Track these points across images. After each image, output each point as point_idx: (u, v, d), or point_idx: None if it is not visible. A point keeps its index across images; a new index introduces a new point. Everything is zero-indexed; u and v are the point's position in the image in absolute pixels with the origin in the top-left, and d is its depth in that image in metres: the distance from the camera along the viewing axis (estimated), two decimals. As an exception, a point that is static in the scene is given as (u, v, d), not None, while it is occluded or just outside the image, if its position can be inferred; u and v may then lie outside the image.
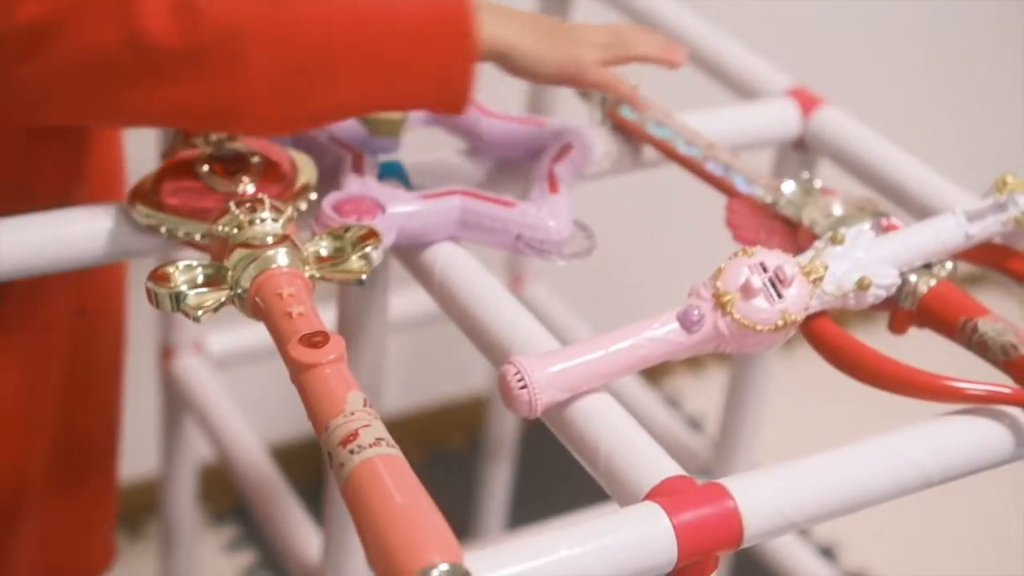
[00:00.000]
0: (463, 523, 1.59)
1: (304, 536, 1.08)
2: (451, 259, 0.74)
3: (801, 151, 0.94)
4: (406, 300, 1.23)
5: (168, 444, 1.28)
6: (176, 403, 1.25)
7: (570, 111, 1.06)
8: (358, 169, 0.78)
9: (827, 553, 1.61)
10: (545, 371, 0.63)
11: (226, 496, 1.60)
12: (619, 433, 0.62)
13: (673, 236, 1.85)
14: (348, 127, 0.81)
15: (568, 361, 0.63)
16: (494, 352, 0.68)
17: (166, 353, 1.24)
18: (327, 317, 0.66)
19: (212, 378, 1.23)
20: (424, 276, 0.75)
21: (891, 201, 0.87)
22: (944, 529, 1.63)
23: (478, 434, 1.69)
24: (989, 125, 1.98)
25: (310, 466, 1.61)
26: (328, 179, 0.78)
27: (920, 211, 0.85)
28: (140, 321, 1.38)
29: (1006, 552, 1.55)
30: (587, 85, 0.79)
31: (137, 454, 1.59)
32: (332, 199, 0.74)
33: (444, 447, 1.75)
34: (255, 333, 1.27)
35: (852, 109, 0.93)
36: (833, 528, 1.60)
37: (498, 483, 1.54)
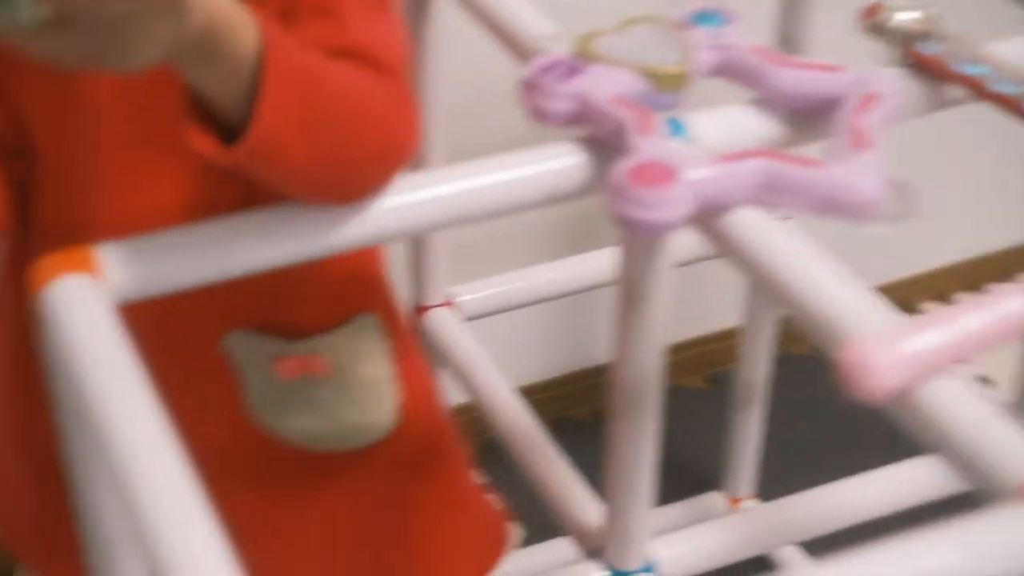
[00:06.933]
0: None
1: (563, 477, 1.08)
2: (763, 231, 0.69)
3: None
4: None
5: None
6: (431, 355, 1.26)
7: (839, 50, 0.98)
8: (645, 129, 0.73)
9: None
10: (893, 354, 0.58)
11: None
12: (981, 423, 0.57)
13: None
14: (626, 83, 0.77)
15: (918, 343, 0.58)
16: (826, 331, 0.63)
17: (419, 310, 1.25)
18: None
19: (462, 329, 1.25)
20: (728, 248, 0.70)
21: None
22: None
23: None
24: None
25: (553, 406, 1.62)
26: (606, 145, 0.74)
27: None
28: (395, 282, 1.38)
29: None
30: None
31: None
32: (624, 167, 0.69)
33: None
34: (503, 287, 1.29)
35: None
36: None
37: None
